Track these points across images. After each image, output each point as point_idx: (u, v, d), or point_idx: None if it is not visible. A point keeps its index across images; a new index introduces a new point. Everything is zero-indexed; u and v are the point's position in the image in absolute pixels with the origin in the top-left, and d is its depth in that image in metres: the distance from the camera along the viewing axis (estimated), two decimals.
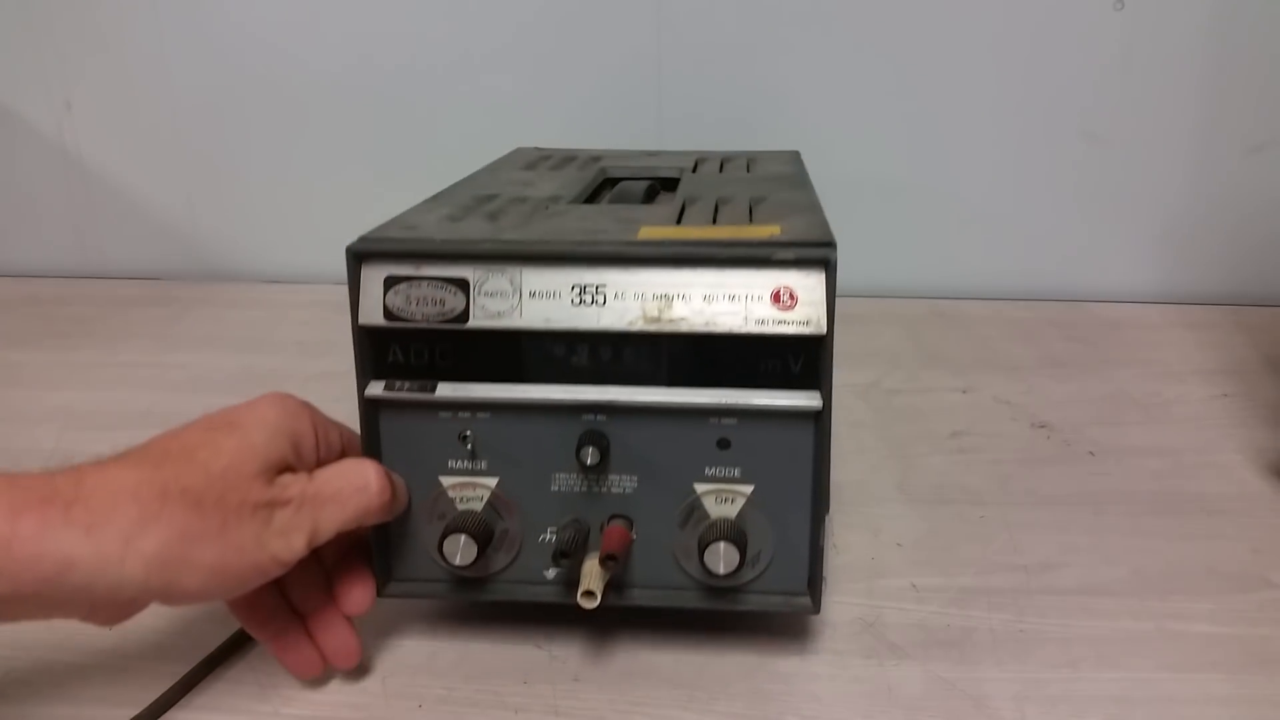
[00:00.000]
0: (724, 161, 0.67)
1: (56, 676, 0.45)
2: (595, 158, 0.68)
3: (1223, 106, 0.88)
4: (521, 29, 0.93)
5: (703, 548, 0.42)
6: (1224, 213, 0.92)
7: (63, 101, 1.00)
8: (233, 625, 0.47)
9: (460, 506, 0.44)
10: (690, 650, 0.46)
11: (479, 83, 0.95)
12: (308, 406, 0.43)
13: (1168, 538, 0.55)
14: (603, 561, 0.42)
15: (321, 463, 0.43)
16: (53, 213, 1.04)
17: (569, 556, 0.42)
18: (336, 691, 0.44)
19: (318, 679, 0.44)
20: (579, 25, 0.92)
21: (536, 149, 0.75)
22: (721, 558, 0.42)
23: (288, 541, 0.39)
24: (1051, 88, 0.90)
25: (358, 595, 0.45)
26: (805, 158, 0.68)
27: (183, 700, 0.43)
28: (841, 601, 0.50)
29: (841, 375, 0.75)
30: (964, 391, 0.74)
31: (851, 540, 0.55)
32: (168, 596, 0.37)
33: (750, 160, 0.68)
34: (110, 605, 0.37)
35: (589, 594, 0.42)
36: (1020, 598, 0.50)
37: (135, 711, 0.42)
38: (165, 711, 0.43)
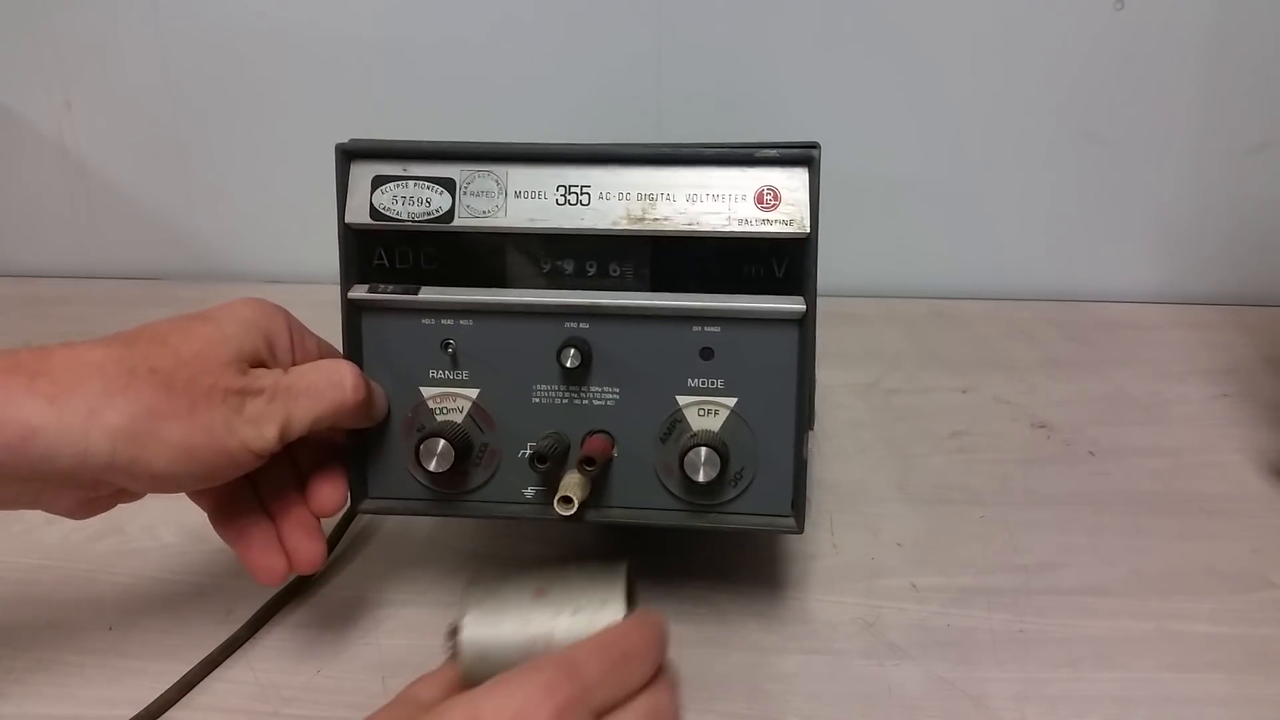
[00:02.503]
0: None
1: (56, 676, 0.45)
2: None
3: (1223, 106, 0.88)
4: (522, 31, 0.93)
5: (683, 457, 0.42)
6: (1224, 213, 0.92)
7: (63, 101, 1.00)
8: (232, 626, 0.47)
9: (440, 418, 0.44)
10: (690, 650, 0.46)
11: (479, 84, 0.95)
12: (284, 311, 0.43)
13: (1167, 538, 0.55)
14: (580, 466, 0.42)
15: (297, 364, 0.43)
16: (53, 213, 1.04)
17: (547, 462, 0.42)
18: (336, 691, 0.44)
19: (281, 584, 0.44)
20: (578, 26, 0.92)
21: None
22: (702, 465, 0.41)
23: (259, 430, 0.39)
24: (1051, 87, 0.89)
25: (327, 493, 0.44)
26: None
27: (183, 700, 0.44)
28: (841, 601, 0.50)
29: (841, 375, 0.75)
30: (964, 391, 0.74)
31: (851, 540, 0.55)
32: (134, 476, 0.36)
33: None
34: (76, 484, 0.37)
35: (566, 500, 0.41)
36: (1020, 598, 0.50)
37: (135, 711, 0.42)
38: (165, 711, 0.43)
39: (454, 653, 0.39)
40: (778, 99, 0.92)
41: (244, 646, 0.47)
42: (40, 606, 0.50)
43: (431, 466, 0.42)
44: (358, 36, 0.95)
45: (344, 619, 0.49)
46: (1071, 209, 0.93)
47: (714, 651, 0.46)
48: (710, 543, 0.54)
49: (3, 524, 0.56)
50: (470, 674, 0.39)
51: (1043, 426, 0.68)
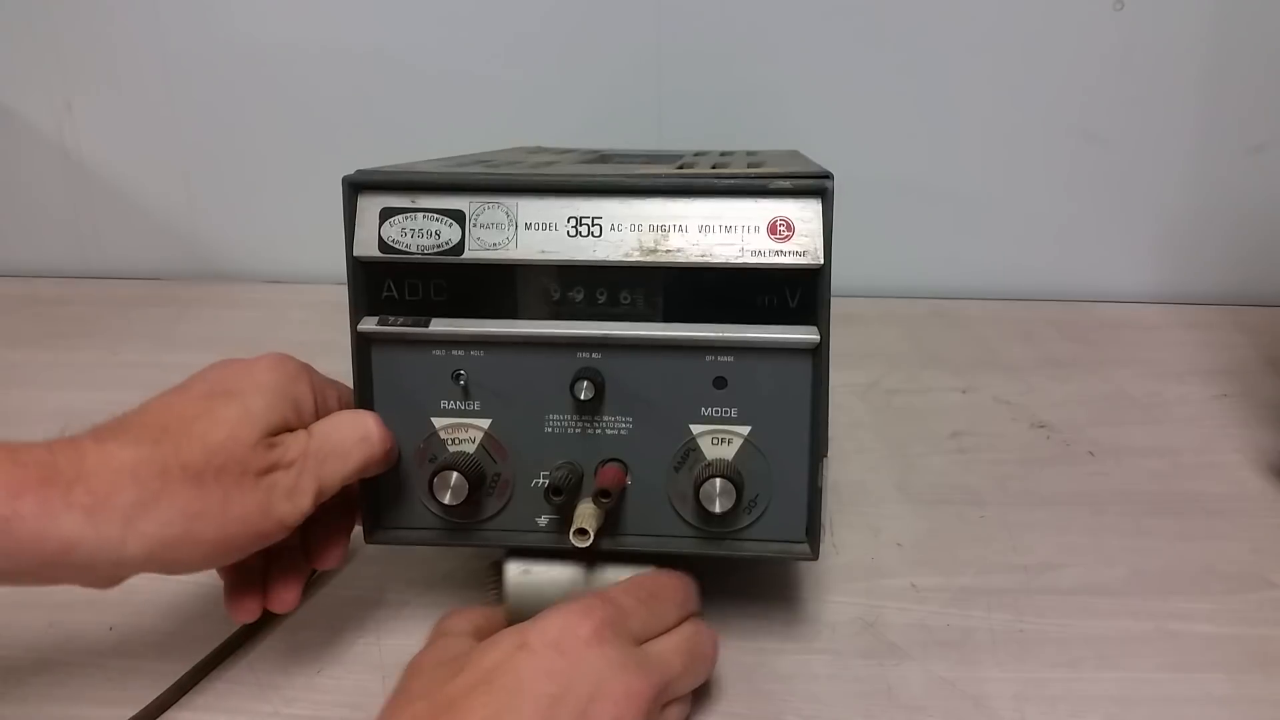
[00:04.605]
0: (723, 153, 0.67)
1: (56, 676, 0.45)
2: (593, 151, 0.69)
3: (1223, 106, 0.88)
4: (522, 32, 0.93)
5: (698, 487, 0.42)
6: (1224, 213, 0.92)
7: (63, 101, 1.00)
8: (232, 625, 0.47)
9: (452, 449, 0.44)
10: None
11: (479, 85, 0.95)
12: (306, 368, 0.43)
13: (1167, 538, 0.55)
14: (595, 498, 0.42)
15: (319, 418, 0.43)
16: (53, 213, 1.04)
17: (562, 494, 0.42)
18: (336, 691, 0.44)
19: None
20: (578, 28, 0.92)
21: (538, 146, 0.75)
22: (717, 496, 0.41)
23: (294, 504, 0.39)
24: (1051, 88, 0.90)
25: (332, 551, 0.45)
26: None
27: (182, 700, 0.43)
28: (841, 601, 0.50)
29: (841, 375, 0.75)
30: (964, 391, 0.74)
31: (851, 540, 0.55)
32: (169, 569, 0.37)
33: (750, 153, 0.68)
34: (110, 579, 0.37)
35: (582, 532, 0.41)
36: (1020, 598, 0.50)
37: (135, 711, 0.42)
38: (165, 711, 0.43)
39: (496, 586, 0.44)
40: (778, 100, 0.92)
41: (244, 647, 0.47)
42: (40, 606, 0.50)
43: (446, 500, 0.42)
44: (357, 39, 0.95)
45: (344, 619, 0.49)
46: (1072, 209, 0.93)
47: None
48: None
49: None
50: (515, 606, 0.43)
51: (1042, 427, 0.68)
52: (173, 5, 0.96)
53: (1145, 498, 0.59)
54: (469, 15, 0.93)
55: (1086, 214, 0.93)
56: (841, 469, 0.62)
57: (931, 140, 0.92)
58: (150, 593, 0.51)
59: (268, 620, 0.48)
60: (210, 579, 0.51)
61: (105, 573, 0.35)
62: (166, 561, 0.36)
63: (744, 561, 0.52)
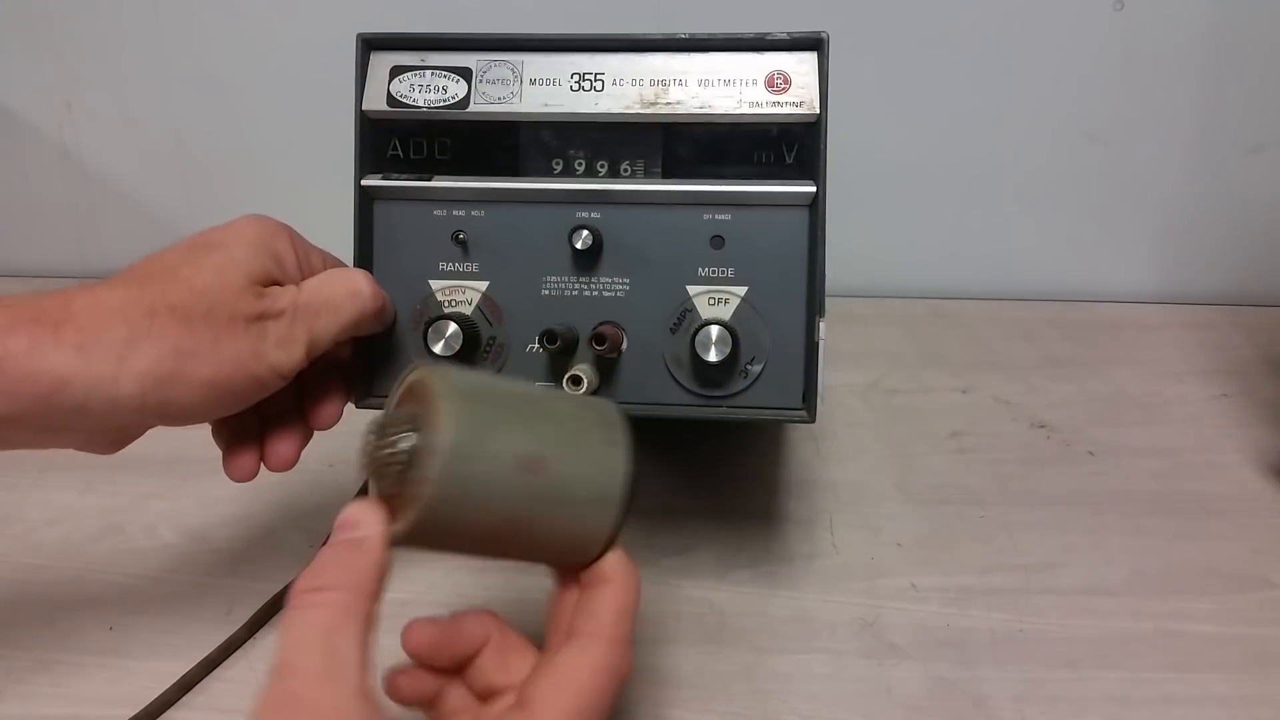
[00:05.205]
0: None
1: (56, 676, 0.45)
2: None
3: (1223, 106, 0.88)
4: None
5: (694, 339, 0.42)
6: (1224, 213, 0.92)
7: (63, 101, 1.00)
8: (232, 626, 0.47)
9: (448, 310, 0.44)
10: (689, 650, 0.46)
11: None
12: (287, 227, 0.43)
13: (1167, 538, 0.55)
14: (591, 344, 0.41)
15: (305, 279, 0.42)
16: (53, 213, 1.04)
17: (557, 341, 0.41)
18: None
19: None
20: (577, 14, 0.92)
21: None
22: (713, 344, 0.41)
23: (288, 353, 0.39)
24: (1050, 88, 0.90)
25: (327, 410, 0.45)
26: None
27: (182, 700, 0.44)
28: (841, 601, 0.50)
29: (841, 375, 0.75)
30: (964, 391, 0.74)
31: (851, 540, 0.55)
32: (165, 414, 0.37)
33: None
34: (107, 428, 0.37)
35: (575, 379, 0.41)
36: (1020, 598, 0.50)
37: (135, 711, 0.42)
38: (165, 711, 0.43)
39: (391, 465, 0.28)
40: None
41: (244, 646, 0.47)
42: (40, 606, 0.50)
43: (439, 349, 0.42)
44: (355, 30, 0.95)
45: None
46: (1071, 209, 0.93)
47: (713, 651, 0.46)
48: (709, 538, 0.54)
49: (3, 524, 0.56)
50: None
51: (1042, 426, 0.68)
52: (172, 5, 0.96)
53: (1145, 498, 0.59)
54: (475, 17, 0.93)
55: (1086, 214, 0.93)
56: (841, 469, 0.62)
57: (930, 140, 0.92)
58: (150, 593, 0.51)
59: (267, 618, 0.48)
60: (208, 579, 0.51)
61: (102, 418, 0.35)
62: (161, 404, 0.36)
63: (741, 424, 0.51)
